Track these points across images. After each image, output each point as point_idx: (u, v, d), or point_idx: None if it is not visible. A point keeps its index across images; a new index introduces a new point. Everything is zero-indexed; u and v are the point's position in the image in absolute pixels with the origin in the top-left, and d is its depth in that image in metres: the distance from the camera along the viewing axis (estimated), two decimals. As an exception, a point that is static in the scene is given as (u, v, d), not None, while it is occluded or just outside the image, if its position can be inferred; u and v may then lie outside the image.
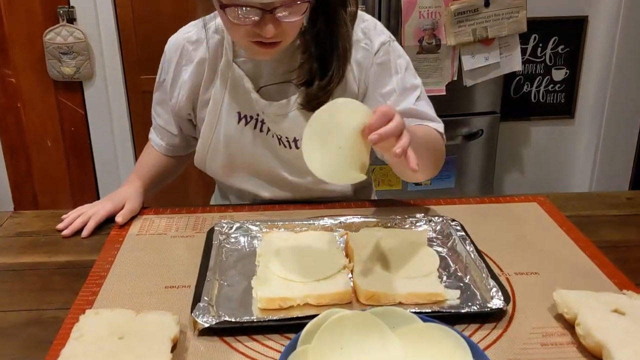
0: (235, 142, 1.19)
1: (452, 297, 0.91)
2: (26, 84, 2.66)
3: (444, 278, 0.97)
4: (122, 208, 1.18)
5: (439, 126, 1.19)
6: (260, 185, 1.24)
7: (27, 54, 2.61)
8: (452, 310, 0.86)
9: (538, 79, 2.73)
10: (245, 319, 0.85)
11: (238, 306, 0.90)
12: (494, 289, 0.90)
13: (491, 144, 2.61)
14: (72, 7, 2.55)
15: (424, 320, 0.79)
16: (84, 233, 1.13)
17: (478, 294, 0.93)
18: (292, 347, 0.75)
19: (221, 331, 0.85)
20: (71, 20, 2.56)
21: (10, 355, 0.82)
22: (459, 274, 0.98)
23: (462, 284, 0.95)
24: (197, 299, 0.89)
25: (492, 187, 2.70)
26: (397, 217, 1.13)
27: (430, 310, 0.86)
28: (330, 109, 0.88)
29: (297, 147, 1.17)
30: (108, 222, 1.17)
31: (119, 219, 1.16)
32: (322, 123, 0.87)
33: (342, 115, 0.88)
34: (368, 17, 1.18)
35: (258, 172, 1.23)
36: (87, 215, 1.15)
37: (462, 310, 0.87)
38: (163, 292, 0.95)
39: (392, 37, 1.18)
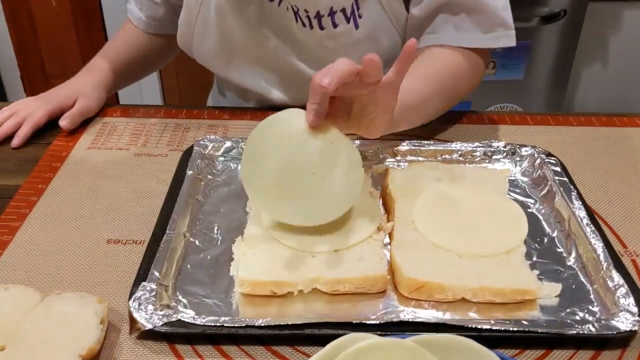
0: (231, 17, 0.81)
1: (548, 295, 0.57)
2: None
3: (535, 257, 0.62)
4: (71, 106, 0.84)
5: (494, 39, 0.79)
6: (269, 83, 0.87)
7: None
8: (553, 331, 0.52)
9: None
10: (211, 320, 0.52)
11: (208, 287, 0.58)
12: (621, 290, 0.55)
13: (574, 30, 2.16)
14: None
15: (501, 358, 0.45)
16: (15, 142, 0.80)
17: (591, 290, 0.58)
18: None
19: (173, 337, 0.53)
20: None
21: None
22: (559, 249, 0.63)
23: (562, 269, 0.60)
24: (142, 274, 0.56)
25: (567, 82, 2.27)
26: (463, 146, 0.76)
27: (514, 329, 0.51)
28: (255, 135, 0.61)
29: (321, 27, 0.79)
30: (54, 126, 0.83)
31: (63, 122, 0.82)
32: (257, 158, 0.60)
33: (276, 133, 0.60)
34: None
35: (265, 63, 0.85)
36: (20, 116, 0.82)
37: (569, 332, 0.52)
38: (102, 251, 0.63)
39: None
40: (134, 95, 2.40)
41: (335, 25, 0.78)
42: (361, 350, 0.44)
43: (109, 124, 0.85)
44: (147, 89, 2.41)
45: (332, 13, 0.77)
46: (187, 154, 0.74)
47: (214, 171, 0.73)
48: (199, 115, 0.87)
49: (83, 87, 0.86)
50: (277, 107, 0.87)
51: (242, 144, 0.76)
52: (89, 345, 0.49)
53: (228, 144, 0.76)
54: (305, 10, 0.77)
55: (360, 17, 0.78)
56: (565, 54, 2.23)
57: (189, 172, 0.70)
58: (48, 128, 0.83)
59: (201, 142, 0.76)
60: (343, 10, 0.77)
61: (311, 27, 0.79)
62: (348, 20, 0.78)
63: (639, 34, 2.35)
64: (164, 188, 0.69)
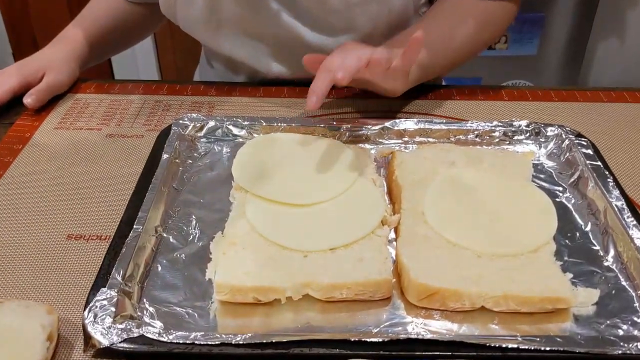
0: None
1: (584, 303, 0.48)
2: None
3: (566, 256, 0.52)
4: (39, 81, 0.74)
5: None
6: (264, 54, 0.77)
7: None
8: (594, 351, 0.43)
9: None
10: (180, 336, 0.44)
11: (181, 293, 0.49)
12: (674, 297, 0.46)
13: (592, 2, 2.05)
14: None
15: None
16: (-27, 121, 0.71)
17: (635, 297, 0.49)
18: None
19: (135, 357, 0.44)
20: None
21: None
22: (594, 247, 0.54)
23: (599, 271, 0.51)
24: (102, 278, 0.48)
25: (582, 58, 2.16)
26: (480, 125, 0.67)
27: (547, 349, 0.42)
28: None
29: None
30: (18, 103, 0.74)
31: (28, 99, 0.72)
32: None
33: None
34: None
35: (261, 31, 0.75)
36: (-18, 90, 0.73)
37: (615, 352, 0.43)
38: (60, 247, 0.54)
39: None
40: (130, 72, 2.31)
41: None
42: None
43: (81, 101, 0.76)
44: (144, 66, 2.31)
45: None
46: (164, 135, 0.65)
47: (194, 154, 0.64)
48: (182, 92, 0.78)
49: (53, 59, 0.77)
50: (271, 82, 0.78)
51: (228, 123, 0.66)
52: (32, 365, 0.40)
53: (212, 123, 0.67)
54: None
55: None
56: (581, 27, 2.13)
57: (165, 156, 0.61)
58: (12, 106, 0.74)
59: (180, 122, 0.66)
60: None
61: None
62: None
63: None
64: (138, 174, 0.60)
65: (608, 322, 0.46)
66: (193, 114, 0.67)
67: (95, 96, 0.77)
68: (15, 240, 0.54)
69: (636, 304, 0.48)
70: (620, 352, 0.42)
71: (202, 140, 0.66)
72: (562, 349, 0.42)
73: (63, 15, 2.42)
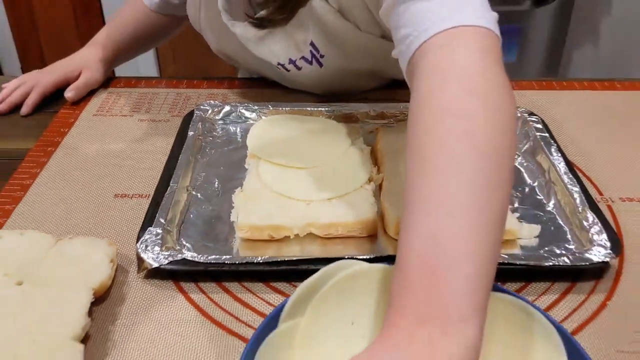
0: (222, 36, 0.84)
1: (528, 235, 0.61)
2: None
3: (516, 204, 0.66)
4: (76, 78, 0.87)
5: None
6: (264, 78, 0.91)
7: None
8: (531, 263, 0.56)
9: None
10: (213, 258, 0.57)
11: (210, 233, 0.62)
12: (595, 229, 0.59)
13: (565, 13, 2.19)
14: None
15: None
16: (24, 110, 0.84)
17: (568, 231, 0.62)
18: (272, 322, 0.47)
19: (178, 274, 0.57)
20: None
21: None
22: (539, 196, 0.67)
23: (542, 214, 0.64)
24: (148, 220, 0.60)
25: (559, 65, 2.30)
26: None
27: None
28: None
29: (287, 70, 0.81)
30: (59, 96, 0.87)
31: (68, 93, 0.86)
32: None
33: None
34: None
35: (255, 73, 0.91)
36: (28, 85, 0.86)
37: (546, 263, 0.56)
38: (110, 204, 0.67)
39: None
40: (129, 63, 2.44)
41: (298, 68, 0.80)
42: (344, 281, 0.47)
43: (113, 94, 0.89)
44: (142, 57, 2.44)
45: (292, 62, 0.79)
46: (189, 117, 0.78)
47: (214, 133, 0.77)
48: (199, 85, 0.91)
49: (88, 60, 0.90)
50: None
51: (241, 108, 0.80)
52: (101, 280, 0.53)
53: (227, 108, 0.80)
54: (270, 62, 0.80)
55: (322, 56, 0.78)
56: (557, 37, 2.26)
57: (190, 133, 0.74)
58: (54, 98, 0.87)
59: (201, 107, 0.79)
60: (303, 58, 0.79)
61: (280, 69, 0.81)
62: (310, 62, 0.79)
63: (629, 17, 2.38)
64: (167, 148, 0.73)
65: (546, 248, 0.59)
66: (211, 101, 0.81)
67: (125, 90, 0.90)
68: (72, 199, 0.67)
69: (569, 236, 0.61)
70: (550, 264, 0.55)
71: (219, 122, 0.79)
72: (506, 262, 0.55)
73: (71, 31, 2.54)
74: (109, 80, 0.93)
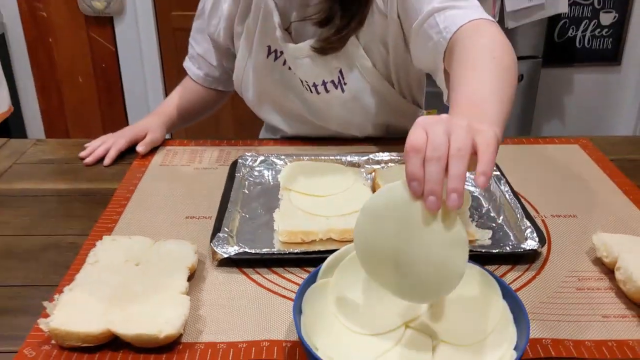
0: (263, 76, 1.15)
1: (483, 237, 0.87)
2: (57, 18, 2.64)
3: (476, 217, 0.92)
4: (144, 137, 1.15)
5: (479, 12, 0.91)
6: (286, 122, 1.21)
7: (57, -13, 2.58)
8: (483, 250, 0.82)
9: (584, 22, 2.60)
10: (265, 250, 0.82)
11: (258, 238, 0.87)
12: (529, 230, 0.85)
13: (531, 90, 2.52)
14: (103, -62, 2.49)
15: (452, 258, 0.75)
16: (106, 161, 1.11)
17: (511, 234, 0.88)
18: (311, 280, 0.72)
19: (240, 262, 0.82)
20: (102, -48, 2.51)
21: (28, 277, 0.81)
22: (492, 214, 0.93)
23: (494, 224, 0.91)
24: (216, 229, 0.86)
25: (529, 135, 2.61)
26: (429, 154, 1.08)
27: (459, 249, 0.81)
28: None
29: (317, 92, 1.12)
30: (131, 152, 1.14)
31: (139, 148, 1.13)
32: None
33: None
34: None
35: (285, 109, 1.19)
36: (109, 143, 1.13)
37: (494, 251, 0.82)
38: (183, 223, 0.92)
39: None
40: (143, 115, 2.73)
41: (327, 91, 1.11)
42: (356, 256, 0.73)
43: (171, 150, 1.16)
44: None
45: (324, 83, 1.10)
46: (234, 164, 1.05)
47: (253, 174, 1.04)
48: (236, 144, 1.19)
49: (151, 124, 1.18)
50: (289, 137, 1.19)
51: (271, 157, 1.07)
52: (192, 262, 0.78)
53: (262, 157, 1.07)
54: (306, 81, 1.11)
55: (345, 84, 1.10)
56: (527, 112, 2.58)
57: (237, 175, 1.01)
58: (127, 153, 1.14)
59: (243, 157, 1.06)
60: (332, 82, 1.10)
61: (311, 92, 1.12)
62: (336, 87, 1.11)
63: (588, 94, 2.73)
64: (219, 186, 0.99)
65: (495, 245, 0.85)
66: (249, 153, 1.08)
67: (180, 147, 1.17)
68: (155, 219, 0.92)
69: (512, 238, 0.87)
70: (496, 251, 0.81)
71: (256, 167, 1.06)
72: (471, 250, 0.81)
73: (94, 114, 2.84)
74: (166, 141, 1.20)
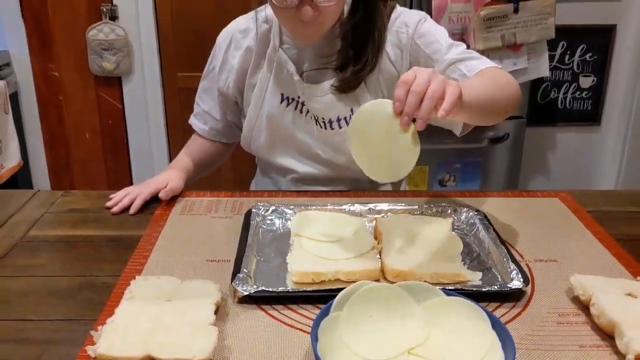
0: (277, 121, 1.29)
1: (474, 279, 0.97)
2: (68, 78, 2.78)
3: (467, 261, 1.03)
4: (165, 187, 1.26)
5: (488, 62, 1.20)
6: (299, 161, 1.34)
7: (70, 50, 2.73)
8: (474, 289, 0.92)
9: (565, 85, 2.77)
10: (281, 289, 0.92)
11: (274, 279, 0.97)
12: (514, 272, 0.96)
13: (517, 148, 2.65)
14: (115, 5, 2.66)
15: (447, 294, 0.85)
16: (132, 210, 1.21)
17: (499, 276, 0.98)
18: (324, 314, 0.82)
19: (259, 299, 0.92)
20: (113, 18, 2.67)
21: (67, 314, 0.90)
22: (482, 258, 1.04)
23: (484, 267, 1.01)
24: (236, 270, 0.96)
25: (516, 189, 2.73)
26: (424, 205, 1.19)
27: (453, 288, 0.92)
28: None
29: (331, 128, 1.27)
30: (153, 202, 1.25)
31: (162, 194, 1.24)
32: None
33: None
34: (399, 7, 1.28)
35: (296, 148, 1.33)
36: (133, 194, 1.24)
37: (484, 289, 0.93)
38: (205, 265, 1.02)
39: (425, 14, 1.27)
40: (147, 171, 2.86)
41: (340, 127, 1.26)
42: (365, 292, 0.83)
43: (190, 201, 1.27)
44: (159, 168, 2.84)
45: (338, 119, 1.25)
46: (248, 213, 1.16)
47: (266, 222, 1.15)
48: (247, 195, 1.30)
49: (171, 176, 1.30)
50: (304, 178, 1.31)
51: (282, 207, 1.18)
52: (217, 299, 0.88)
53: (273, 207, 1.18)
54: (322, 118, 1.26)
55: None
56: (513, 169, 2.70)
57: (252, 222, 1.12)
58: (149, 203, 1.25)
59: (256, 207, 1.18)
60: (345, 118, 1.25)
61: (325, 128, 1.26)
62: (347, 124, 1.25)
63: (570, 152, 2.88)
64: (235, 232, 1.10)
65: (485, 285, 0.96)
66: (261, 204, 1.19)
67: (197, 198, 1.28)
68: (180, 262, 1.03)
69: (499, 279, 0.98)
70: (486, 289, 0.92)
71: (268, 216, 1.17)
72: (460, 288, 0.91)
73: (99, 170, 2.95)
74: (184, 191, 1.31)
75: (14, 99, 2.73)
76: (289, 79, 1.26)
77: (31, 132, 2.86)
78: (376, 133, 0.93)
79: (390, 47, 1.24)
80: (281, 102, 1.28)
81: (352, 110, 1.25)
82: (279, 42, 1.26)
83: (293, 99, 1.28)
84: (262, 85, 1.28)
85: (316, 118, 1.27)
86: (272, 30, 1.27)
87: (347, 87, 1.23)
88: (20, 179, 2.75)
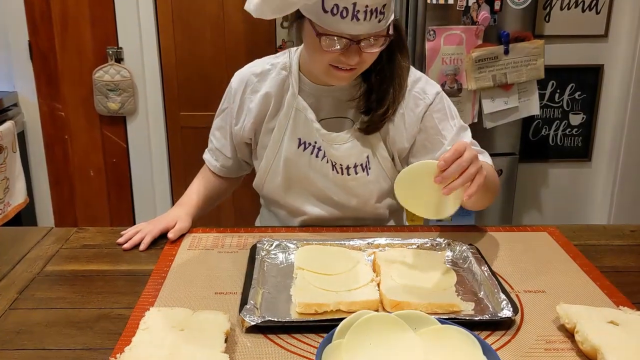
0: (293, 164, 1.36)
1: (467, 308, 1.04)
2: (74, 117, 2.87)
3: (460, 293, 1.09)
4: (173, 226, 1.33)
5: (489, 159, 1.36)
6: (311, 203, 1.41)
7: (76, 90, 2.83)
8: (467, 318, 0.99)
9: (556, 122, 2.87)
10: (287, 319, 0.99)
11: (279, 310, 1.03)
12: (505, 302, 1.02)
13: (510, 184, 2.73)
14: (121, 48, 2.77)
15: (442, 323, 0.92)
16: (142, 247, 1.28)
17: (490, 306, 1.05)
18: (327, 341, 0.88)
19: (265, 329, 0.98)
20: (119, 60, 2.78)
21: (86, 343, 0.96)
22: (474, 289, 1.11)
23: (476, 298, 1.08)
24: (244, 302, 1.02)
25: (510, 223, 2.80)
26: (420, 240, 1.26)
27: (447, 317, 0.98)
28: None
29: (348, 174, 1.35)
30: (161, 237, 1.32)
31: (170, 235, 1.30)
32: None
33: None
34: (417, 71, 1.38)
35: (311, 191, 1.40)
36: (144, 231, 1.30)
37: (476, 318, 0.99)
38: (213, 297, 1.09)
39: (440, 87, 1.38)
40: (149, 208, 2.92)
41: (356, 173, 1.34)
42: (365, 320, 0.90)
43: (197, 236, 1.34)
44: (160, 205, 2.91)
45: (355, 166, 1.33)
46: (254, 248, 1.22)
47: (270, 256, 1.22)
48: (251, 231, 1.37)
49: (179, 215, 1.36)
50: (309, 220, 1.38)
51: (285, 242, 1.25)
52: (226, 328, 0.94)
53: (277, 242, 1.25)
54: (340, 164, 1.33)
55: (370, 168, 1.34)
56: (507, 203, 2.78)
57: (257, 257, 1.18)
58: (159, 239, 1.31)
59: (261, 242, 1.24)
60: (361, 165, 1.33)
61: (342, 173, 1.34)
62: (363, 170, 1.34)
63: (562, 187, 2.96)
64: (241, 267, 1.16)
65: (477, 314, 1.02)
66: (265, 239, 1.26)
67: (204, 234, 1.35)
68: (189, 295, 1.09)
69: (491, 309, 1.04)
70: (478, 318, 0.98)
71: (272, 250, 1.23)
72: (453, 317, 0.98)
73: (102, 206, 3.01)
74: (191, 228, 1.38)
75: (21, 138, 2.81)
76: (307, 126, 1.33)
77: (37, 170, 2.94)
78: (421, 187, 1.09)
79: (405, 108, 1.33)
80: (298, 147, 1.35)
81: (368, 157, 1.34)
82: (297, 89, 1.34)
83: (310, 144, 1.35)
84: (280, 129, 1.35)
85: (333, 163, 1.34)
86: (289, 78, 1.34)
87: (372, 128, 1.32)
88: (25, 216, 2.81)
